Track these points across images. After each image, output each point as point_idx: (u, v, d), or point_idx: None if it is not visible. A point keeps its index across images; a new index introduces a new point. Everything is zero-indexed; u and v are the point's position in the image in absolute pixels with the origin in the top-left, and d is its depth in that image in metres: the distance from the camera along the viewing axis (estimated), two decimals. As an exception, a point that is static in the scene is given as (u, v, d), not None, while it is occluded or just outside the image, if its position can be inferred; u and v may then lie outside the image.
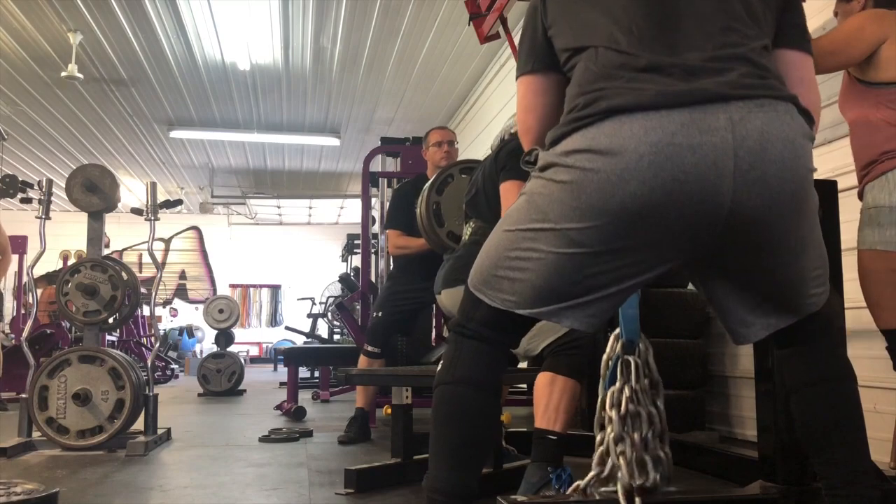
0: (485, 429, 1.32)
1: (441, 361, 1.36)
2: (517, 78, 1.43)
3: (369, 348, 3.81)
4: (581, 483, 1.64)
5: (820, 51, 2.01)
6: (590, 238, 1.17)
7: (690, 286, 3.72)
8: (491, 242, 1.33)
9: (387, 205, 5.18)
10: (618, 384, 1.67)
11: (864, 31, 2.05)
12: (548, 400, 2.06)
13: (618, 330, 1.72)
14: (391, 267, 4.22)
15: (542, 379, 2.09)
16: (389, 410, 3.51)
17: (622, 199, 1.12)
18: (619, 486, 1.59)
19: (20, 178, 3.81)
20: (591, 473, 1.64)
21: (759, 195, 1.12)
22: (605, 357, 1.71)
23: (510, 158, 2.37)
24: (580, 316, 1.25)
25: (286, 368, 5.31)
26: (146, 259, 12.01)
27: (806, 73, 1.33)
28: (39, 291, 7.01)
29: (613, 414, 1.64)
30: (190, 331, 12.02)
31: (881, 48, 2.03)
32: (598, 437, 1.66)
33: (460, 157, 3.85)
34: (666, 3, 1.25)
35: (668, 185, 1.11)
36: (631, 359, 1.67)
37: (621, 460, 1.59)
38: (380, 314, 3.86)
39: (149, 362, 3.83)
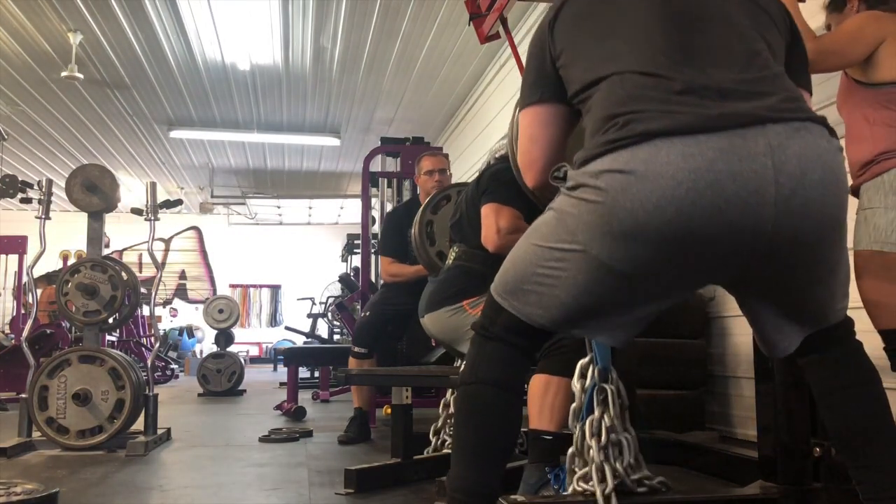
0: (506, 428, 1.31)
1: (464, 362, 1.36)
2: (522, 109, 1.40)
3: (356, 349, 3.83)
4: None
5: (822, 50, 2.01)
6: (622, 264, 1.15)
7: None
8: (518, 253, 1.30)
9: (387, 205, 5.21)
10: (596, 413, 1.71)
11: (865, 31, 2.05)
12: (542, 401, 2.05)
13: (588, 357, 1.75)
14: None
15: (538, 381, 2.08)
16: (389, 410, 3.51)
17: (658, 225, 1.09)
18: None
19: (20, 178, 3.81)
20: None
21: (801, 220, 1.11)
22: (577, 386, 1.74)
23: (491, 182, 2.36)
24: (610, 335, 1.26)
25: (286, 368, 5.31)
26: (146, 259, 12.00)
27: None
28: (39, 291, 7.00)
29: (594, 443, 1.68)
30: (190, 331, 12.02)
31: (879, 48, 2.03)
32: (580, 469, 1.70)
33: (460, 155, 3.86)
34: (686, 30, 1.25)
35: (708, 212, 1.08)
36: (607, 387, 1.70)
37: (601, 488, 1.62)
38: (367, 314, 3.89)
39: (149, 362, 3.83)
